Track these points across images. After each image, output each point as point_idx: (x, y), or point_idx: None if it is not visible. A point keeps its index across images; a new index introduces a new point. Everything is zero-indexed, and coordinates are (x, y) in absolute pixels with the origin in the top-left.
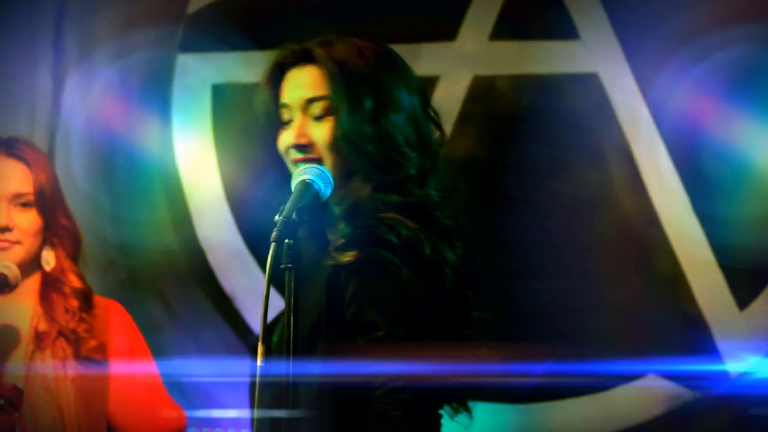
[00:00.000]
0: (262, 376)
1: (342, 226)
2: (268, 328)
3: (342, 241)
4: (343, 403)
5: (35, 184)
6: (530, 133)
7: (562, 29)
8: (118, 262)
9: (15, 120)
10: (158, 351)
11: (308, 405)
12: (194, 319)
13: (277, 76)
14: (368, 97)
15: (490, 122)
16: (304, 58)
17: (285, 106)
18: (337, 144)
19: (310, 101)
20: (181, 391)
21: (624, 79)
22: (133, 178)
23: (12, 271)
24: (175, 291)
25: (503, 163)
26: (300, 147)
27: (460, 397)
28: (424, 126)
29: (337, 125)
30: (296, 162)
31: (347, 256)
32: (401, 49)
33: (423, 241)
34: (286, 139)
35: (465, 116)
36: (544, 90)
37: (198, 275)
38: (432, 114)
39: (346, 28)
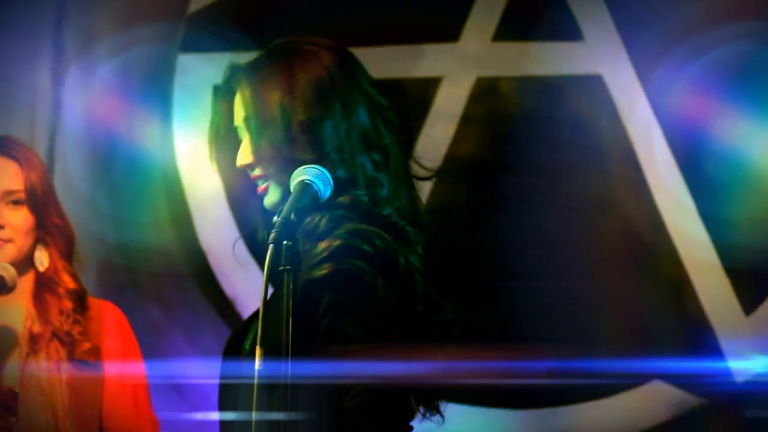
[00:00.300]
0: (258, 378)
1: (304, 242)
2: (241, 332)
3: (317, 258)
4: (317, 407)
5: (26, 181)
6: (533, 135)
7: (566, 30)
8: (118, 263)
9: (15, 120)
10: (158, 353)
11: (286, 407)
12: (194, 321)
13: (231, 97)
14: (284, 114)
15: (493, 124)
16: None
17: (236, 128)
18: (261, 160)
19: (247, 120)
20: (180, 392)
21: (628, 80)
22: (133, 178)
23: (9, 273)
24: (175, 293)
25: (506, 165)
26: (247, 167)
27: (431, 398)
28: (367, 130)
29: (252, 143)
30: (253, 180)
31: (323, 270)
32: (404, 50)
33: (398, 251)
34: (237, 159)
35: (468, 118)
36: (547, 91)
37: (198, 277)
38: (390, 115)
39: (348, 28)
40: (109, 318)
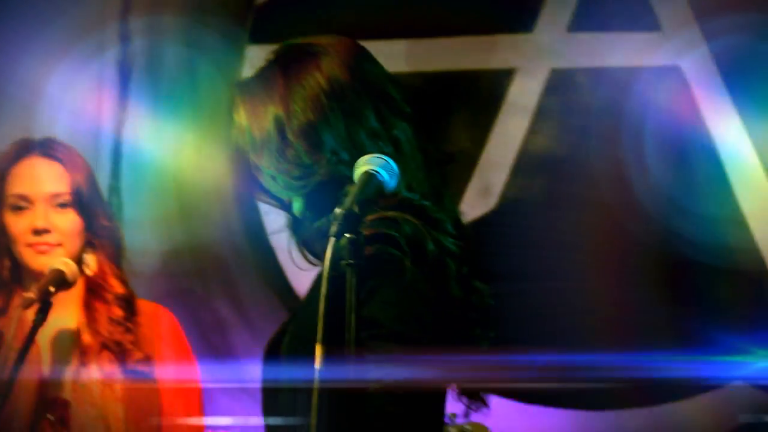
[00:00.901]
0: (320, 380)
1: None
2: (279, 331)
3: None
4: (346, 407)
5: (72, 183)
6: (610, 127)
7: (643, 21)
8: (187, 260)
9: (79, 127)
10: (226, 351)
11: (311, 410)
12: (263, 318)
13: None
14: (279, 127)
15: (568, 116)
16: None
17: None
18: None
19: (246, 139)
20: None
21: (707, 71)
22: (203, 173)
23: (70, 268)
24: (246, 290)
25: (582, 158)
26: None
27: (472, 389)
28: (374, 127)
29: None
30: None
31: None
32: (477, 41)
33: (426, 236)
34: None
35: (542, 110)
36: (624, 83)
37: (267, 274)
38: (403, 107)
39: (420, 19)
40: (162, 325)
